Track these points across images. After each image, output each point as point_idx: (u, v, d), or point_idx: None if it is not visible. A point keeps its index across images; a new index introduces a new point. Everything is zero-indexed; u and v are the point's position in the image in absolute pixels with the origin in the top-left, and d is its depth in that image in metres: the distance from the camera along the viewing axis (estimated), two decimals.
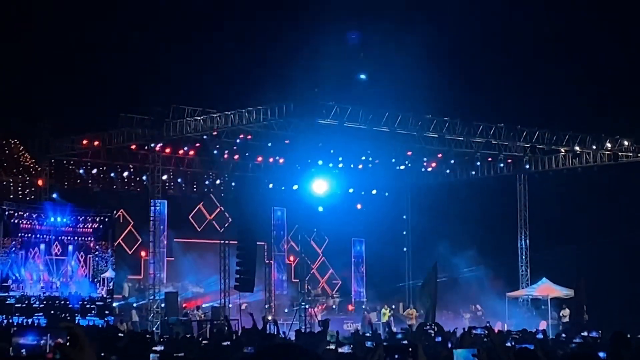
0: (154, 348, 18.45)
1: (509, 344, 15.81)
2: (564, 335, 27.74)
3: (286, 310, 44.69)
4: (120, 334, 25.10)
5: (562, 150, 43.01)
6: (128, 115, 39.13)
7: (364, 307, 48.40)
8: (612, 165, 41.95)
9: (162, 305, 39.26)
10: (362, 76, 39.12)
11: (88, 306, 37.85)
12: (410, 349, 6.18)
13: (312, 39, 42.22)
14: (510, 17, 46.19)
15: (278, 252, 47.62)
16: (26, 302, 36.83)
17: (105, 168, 43.63)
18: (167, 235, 43.06)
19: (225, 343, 19.99)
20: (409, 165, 46.73)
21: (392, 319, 44.60)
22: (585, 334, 25.87)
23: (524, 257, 46.35)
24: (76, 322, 35.08)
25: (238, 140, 40.73)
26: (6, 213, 37.34)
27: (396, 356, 6.14)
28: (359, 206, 49.81)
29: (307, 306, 38.30)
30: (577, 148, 42.24)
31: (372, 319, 44.33)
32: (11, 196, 40.98)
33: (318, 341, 20.26)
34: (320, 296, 47.78)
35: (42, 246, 38.13)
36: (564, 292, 42.81)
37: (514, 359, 10.22)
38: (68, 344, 5.16)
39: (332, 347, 15.66)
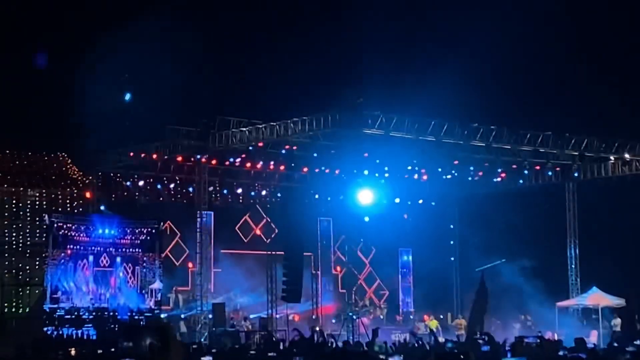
0: (202, 358, 18.47)
1: (560, 353, 15.59)
2: (615, 344, 27.33)
3: (333, 320, 44.55)
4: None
5: (612, 157, 42.51)
6: (174, 127, 39.31)
7: (411, 317, 48.16)
8: None
9: (210, 316, 39.28)
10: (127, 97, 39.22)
11: (136, 317, 38.03)
12: (462, 357, 6.05)
13: (357, 48, 42.17)
14: (555, 25, 45.82)
15: (325, 263, 47.51)
16: (75, 313, 37.12)
17: (151, 180, 43.82)
18: (213, 247, 43.14)
19: (271, 354, 19.94)
20: (456, 174, 46.44)
21: (440, 329, 44.28)
22: (638, 342, 25.48)
23: (573, 266, 45.85)
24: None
25: (284, 151, 40.69)
26: (55, 225, 37.69)
27: None
28: (405, 216, 49.60)
29: (355, 317, 38.10)
30: (626, 155, 41.73)
31: (420, 328, 44.09)
32: (60, 209, 41.28)
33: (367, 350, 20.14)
34: (367, 307, 47.57)
35: (91, 258, 38.45)
36: (615, 301, 42.24)
37: None
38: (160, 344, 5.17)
39: (382, 357, 15.51)
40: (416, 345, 30.22)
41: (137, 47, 41.33)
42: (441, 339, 39.17)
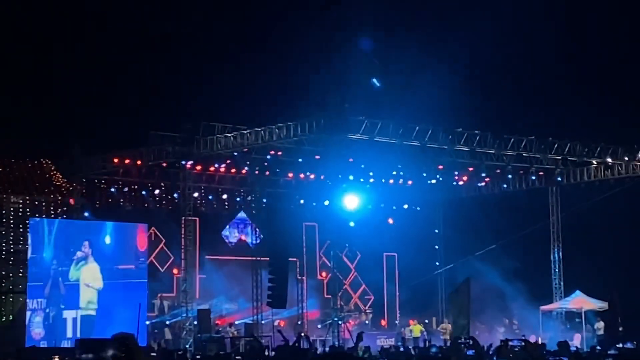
0: None
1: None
2: (598, 347, 27.48)
3: (319, 326, 44.58)
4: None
5: (594, 162, 42.73)
6: (159, 133, 39.28)
7: (397, 322, 48.23)
8: None
9: (195, 322, 39.24)
10: (375, 81, 38.96)
11: None
12: None
13: (342, 54, 42.23)
14: (539, 31, 46.03)
15: (310, 268, 47.54)
16: None
17: (136, 186, 43.75)
18: (198, 253, 43.11)
19: None
20: (440, 179, 46.59)
21: (425, 334, 44.39)
22: (621, 345, 25.62)
23: (557, 270, 45.99)
24: None
25: (269, 157, 40.71)
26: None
27: None
28: (390, 221, 49.66)
29: (340, 322, 38.14)
30: (609, 159, 41.95)
31: (406, 334, 44.23)
32: (44, 215, 41.17)
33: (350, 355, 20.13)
34: (352, 312, 47.62)
35: None
36: (598, 304, 42.42)
37: None
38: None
39: None
40: (401, 349, 30.34)
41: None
42: (426, 344, 39.35)
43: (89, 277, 37.96)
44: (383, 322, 48.48)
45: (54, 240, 37.59)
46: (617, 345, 25.58)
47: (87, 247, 38.07)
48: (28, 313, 36.91)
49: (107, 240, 38.72)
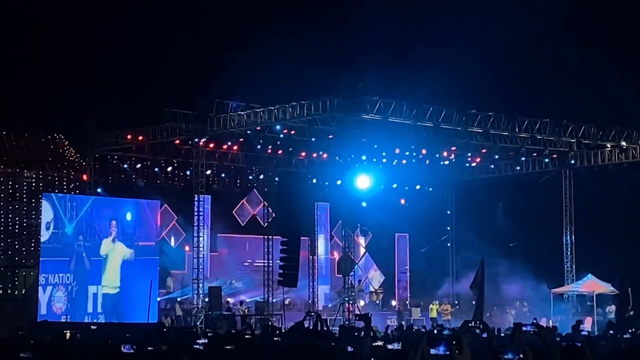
0: (198, 342, 18.47)
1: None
2: (611, 332, 27.42)
3: (330, 305, 44.64)
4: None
5: (608, 145, 42.55)
6: (172, 110, 39.27)
7: (407, 302, 48.28)
8: None
9: (206, 299, 39.35)
10: None
11: None
12: (454, 341, 6.08)
13: (356, 34, 42.11)
14: (554, 12, 45.77)
15: (322, 248, 47.56)
16: None
17: (149, 163, 43.78)
18: (210, 230, 43.18)
19: (276, 339, 19.99)
20: (453, 160, 46.48)
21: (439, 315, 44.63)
22: (633, 329, 25.56)
23: (569, 253, 45.92)
24: None
25: (282, 136, 40.65)
26: None
27: (440, 348, 6.05)
28: (402, 201, 49.61)
29: (350, 301, 38.17)
30: (623, 143, 41.77)
31: (415, 314, 44.41)
32: (56, 190, 41.29)
33: (362, 338, 20.12)
34: (363, 291, 47.65)
35: None
36: (610, 288, 42.37)
37: (561, 355, 10.08)
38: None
39: (381, 343, 15.50)
40: (413, 330, 30.34)
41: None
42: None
43: (119, 255, 38.28)
44: (394, 302, 48.50)
45: (77, 216, 37.79)
46: (631, 330, 25.49)
47: (115, 227, 38.32)
48: (49, 288, 37.17)
49: (128, 217, 39.00)
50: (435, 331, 28.91)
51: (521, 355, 8.23)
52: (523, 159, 44.29)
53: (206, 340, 19.08)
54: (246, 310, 41.38)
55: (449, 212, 51.02)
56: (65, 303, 37.25)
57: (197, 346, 15.69)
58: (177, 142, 41.67)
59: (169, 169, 44.48)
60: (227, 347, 14.94)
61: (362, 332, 17.32)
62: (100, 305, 37.84)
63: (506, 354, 8.23)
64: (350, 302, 38.12)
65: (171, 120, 39.49)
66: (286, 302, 42.22)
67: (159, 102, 40.40)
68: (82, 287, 37.62)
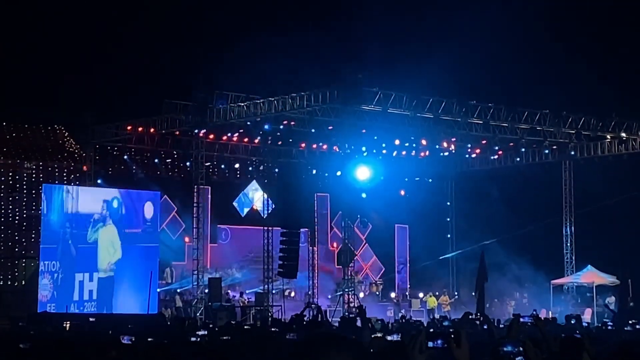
0: (197, 333, 18.53)
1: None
2: (610, 323, 27.46)
3: (330, 296, 44.68)
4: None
5: (608, 136, 42.53)
6: (172, 101, 39.26)
7: (406, 293, 48.34)
8: None
9: (206, 291, 39.39)
10: None
11: None
12: (452, 335, 6.09)
13: (356, 25, 42.08)
14: (554, 4, 45.75)
15: (322, 239, 47.57)
16: None
17: (149, 154, 43.81)
18: (210, 221, 43.21)
19: (274, 329, 20.06)
20: (453, 151, 46.46)
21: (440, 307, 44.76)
22: (633, 321, 25.59)
23: (569, 244, 45.95)
24: None
25: (281, 127, 40.65)
26: None
27: (438, 341, 6.05)
28: (402, 192, 49.60)
29: (350, 291, 38.21)
30: (623, 134, 41.75)
31: (415, 305, 44.48)
32: (56, 181, 41.32)
33: (360, 329, 20.20)
34: (363, 283, 47.68)
35: None
36: (609, 279, 42.43)
37: (560, 347, 10.10)
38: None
39: (380, 335, 15.55)
40: (410, 322, 30.38)
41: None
42: (436, 316, 39.51)
43: (107, 239, 38.21)
44: (393, 294, 48.53)
45: (69, 205, 37.84)
46: (631, 322, 25.51)
47: (105, 209, 38.28)
48: (40, 277, 37.20)
49: (125, 209, 39.09)
50: (433, 324, 28.99)
51: (520, 348, 8.24)
52: (523, 150, 44.29)
53: (206, 332, 19.16)
54: (246, 302, 41.42)
55: (448, 203, 51.04)
56: (51, 291, 37.18)
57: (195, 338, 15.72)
58: (177, 133, 41.68)
59: (169, 160, 44.50)
60: (224, 338, 14.99)
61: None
62: (88, 292, 37.80)
63: (505, 347, 8.25)
64: (350, 293, 38.16)
65: (171, 111, 39.51)
66: (287, 293, 42.28)
67: (159, 93, 40.42)
68: (69, 275, 37.57)
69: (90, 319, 30.98)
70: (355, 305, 36.70)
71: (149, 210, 39.71)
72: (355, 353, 5.25)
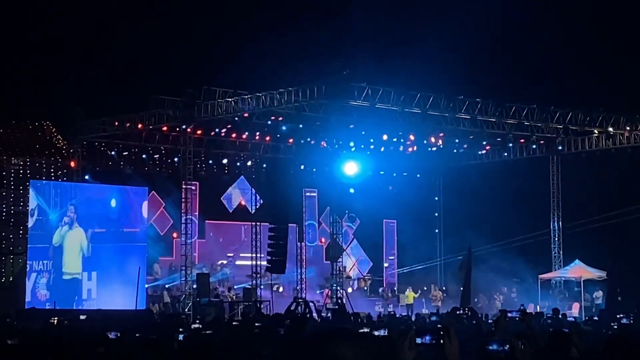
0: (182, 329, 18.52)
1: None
2: (595, 318, 27.52)
3: (318, 292, 44.68)
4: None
5: (596, 131, 42.62)
6: (159, 96, 39.16)
7: (395, 288, 48.39)
8: None
9: (194, 286, 39.35)
10: None
11: None
12: (441, 331, 6.08)
13: (344, 20, 42.06)
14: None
15: (309, 234, 47.57)
16: None
17: (136, 150, 43.70)
18: (198, 217, 43.16)
19: (258, 324, 20.02)
20: (441, 146, 46.48)
21: (424, 301, 44.74)
22: (620, 316, 25.62)
23: (556, 239, 46.07)
24: None
25: (269, 122, 40.63)
26: None
27: (427, 338, 6.04)
28: (390, 188, 49.63)
29: (338, 288, 38.23)
30: (610, 129, 41.84)
31: (403, 300, 44.52)
32: (44, 177, 41.20)
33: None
34: (351, 278, 47.71)
35: None
36: (597, 273, 42.53)
37: (548, 341, 10.13)
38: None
39: (367, 330, 15.56)
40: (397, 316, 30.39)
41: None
42: (424, 311, 39.55)
43: (74, 242, 38.20)
44: (381, 289, 48.58)
45: (60, 203, 37.81)
46: (618, 316, 25.55)
47: (73, 212, 38.26)
48: (34, 275, 37.19)
49: (114, 203, 39.06)
50: (419, 319, 28.98)
51: (507, 347, 8.22)
52: (511, 145, 44.36)
53: (194, 327, 19.14)
54: (234, 297, 41.40)
55: (436, 198, 51.11)
56: (47, 290, 37.23)
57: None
58: (165, 129, 41.58)
59: (157, 155, 44.40)
60: (208, 332, 14.98)
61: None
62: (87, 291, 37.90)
63: (491, 345, 8.23)
64: (339, 288, 38.17)
65: (159, 107, 39.38)
66: (275, 288, 42.26)
67: (147, 88, 40.31)
68: (60, 275, 37.69)
69: (81, 317, 30.91)
70: (342, 297, 36.82)
71: (145, 210, 39.94)
72: (366, 347, 5.28)
